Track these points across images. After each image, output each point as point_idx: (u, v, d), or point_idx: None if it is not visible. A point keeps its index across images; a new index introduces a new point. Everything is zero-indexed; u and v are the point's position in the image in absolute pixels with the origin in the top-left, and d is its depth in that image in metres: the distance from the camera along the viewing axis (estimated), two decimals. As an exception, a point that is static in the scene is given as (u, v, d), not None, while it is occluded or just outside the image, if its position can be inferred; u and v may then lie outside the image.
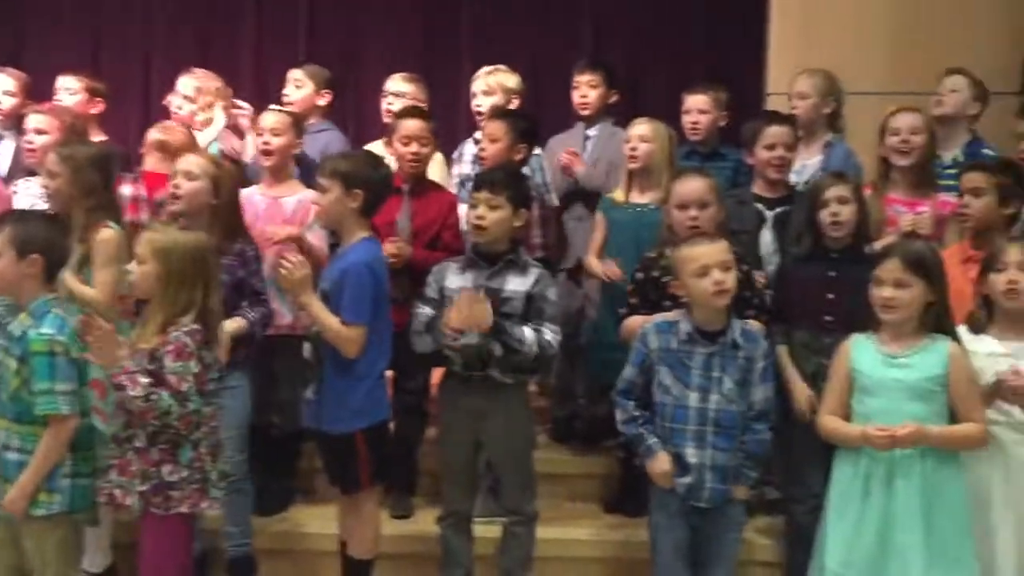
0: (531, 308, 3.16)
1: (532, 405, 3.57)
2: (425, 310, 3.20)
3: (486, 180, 3.23)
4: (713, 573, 3.00)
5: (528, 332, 3.11)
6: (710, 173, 3.53)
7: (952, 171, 3.84)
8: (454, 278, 3.19)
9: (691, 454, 2.90)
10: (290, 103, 4.44)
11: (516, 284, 3.17)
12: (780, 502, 3.56)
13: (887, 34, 5.43)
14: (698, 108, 4.31)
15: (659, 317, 3.10)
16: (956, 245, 3.45)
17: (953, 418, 2.81)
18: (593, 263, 3.85)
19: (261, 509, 3.65)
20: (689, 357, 2.91)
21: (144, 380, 2.70)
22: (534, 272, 3.21)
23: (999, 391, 2.85)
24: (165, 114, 4.57)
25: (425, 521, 3.62)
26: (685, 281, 2.91)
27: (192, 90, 4.44)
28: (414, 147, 3.74)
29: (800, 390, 3.25)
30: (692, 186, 3.34)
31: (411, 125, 3.75)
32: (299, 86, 4.53)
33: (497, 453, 3.28)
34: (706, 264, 2.87)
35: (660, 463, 2.92)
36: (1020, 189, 3.37)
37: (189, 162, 3.40)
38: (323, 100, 4.57)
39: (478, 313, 3.02)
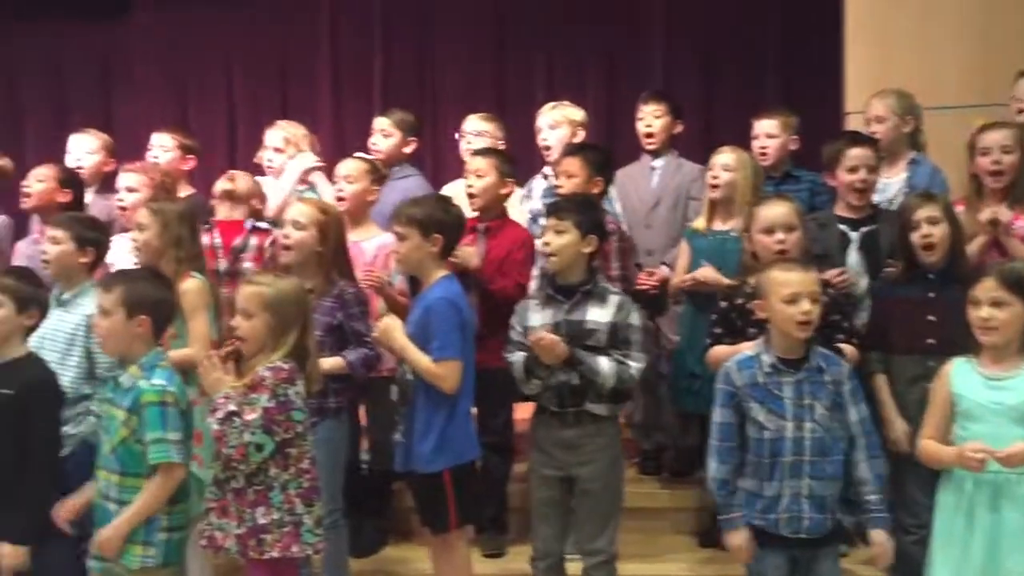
0: (617, 338, 3.15)
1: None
2: (517, 355, 3.22)
3: (552, 208, 3.31)
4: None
5: (604, 363, 3.11)
6: (792, 197, 3.49)
7: None
8: (534, 316, 3.22)
9: (789, 485, 2.82)
10: (378, 152, 4.46)
11: (597, 315, 3.17)
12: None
13: (960, 47, 5.31)
14: (766, 133, 4.25)
15: (744, 347, 3.05)
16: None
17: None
18: (695, 275, 3.77)
19: (355, 550, 3.65)
20: (779, 387, 2.83)
21: (231, 408, 2.76)
22: (614, 300, 3.20)
23: None
24: (254, 168, 4.58)
25: (517, 559, 3.61)
26: (772, 305, 2.84)
27: (280, 141, 4.49)
28: (471, 181, 3.82)
29: (897, 425, 3.20)
30: (777, 210, 3.32)
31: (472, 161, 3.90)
32: (387, 135, 4.49)
33: (587, 485, 3.21)
34: (797, 292, 2.80)
35: (738, 538, 2.85)
36: None
37: (297, 212, 3.42)
38: (409, 148, 4.53)
39: (553, 348, 3.06)
